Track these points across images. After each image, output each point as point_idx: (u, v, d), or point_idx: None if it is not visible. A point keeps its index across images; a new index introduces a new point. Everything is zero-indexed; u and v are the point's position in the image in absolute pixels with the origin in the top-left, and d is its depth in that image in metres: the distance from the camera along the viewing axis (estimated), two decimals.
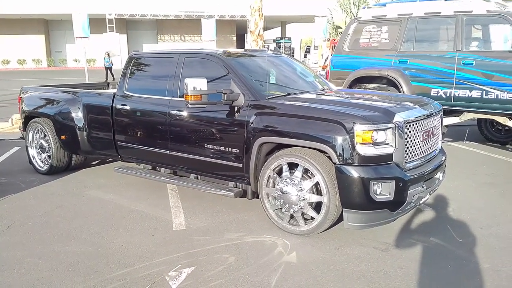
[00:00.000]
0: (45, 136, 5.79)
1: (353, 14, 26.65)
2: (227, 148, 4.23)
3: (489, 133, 7.90)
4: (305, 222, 3.82)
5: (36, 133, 5.99)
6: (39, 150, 5.99)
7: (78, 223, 4.24)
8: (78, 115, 5.48)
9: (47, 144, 5.81)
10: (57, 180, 5.65)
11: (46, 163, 5.91)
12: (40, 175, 5.85)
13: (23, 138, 6.29)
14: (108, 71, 22.24)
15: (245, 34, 32.48)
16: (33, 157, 6.04)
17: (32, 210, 4.59)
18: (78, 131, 5.47)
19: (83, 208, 4.64)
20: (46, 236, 3.94)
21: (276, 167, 3.90)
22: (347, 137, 3.48)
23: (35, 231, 4.06)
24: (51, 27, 40.45)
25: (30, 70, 35.87)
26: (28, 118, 6.07)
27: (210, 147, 4.35)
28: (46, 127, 5.72)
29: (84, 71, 16.62)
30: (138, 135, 4.97)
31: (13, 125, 9.50)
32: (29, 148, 6.08)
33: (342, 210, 3.62)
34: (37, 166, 5.99)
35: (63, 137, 5.61)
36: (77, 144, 5.53)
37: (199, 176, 4.72)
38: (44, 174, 5.87)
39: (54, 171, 5.83)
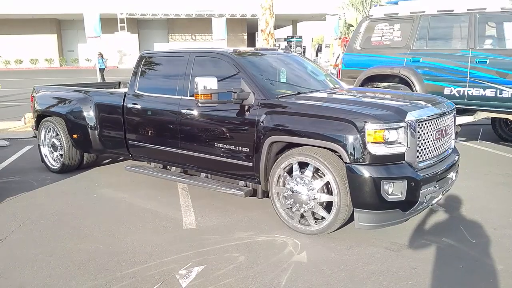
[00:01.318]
0: (57, 135, 5.84)
1: (365, 12, 26.46)
2: (237, 147, 4.22)
3: (503, 133, 7.79)
4: (316, 222, 3.80)
5: (48, 132, 6.04)
6: (51, 149, 6.05)
7: (90, 221, 4.27)
8: (89, 114, 5.52)
9: (59, 143, 5.86)
10: (69, 179, 5.70)
11: (58, 161, 5.97)
12: (52, 174, 5.91)
13: (35, 137, 6.36)
14: (101, 72, 19.51)
15: (256, 32, 32.45)
16: (45, 156, 6.10)
17: (44, 208, 4.64)
18: (89, 130, 5.51)
19: (95, 207, 4.68)
20: (58, 234, 3.98)
21: (286, 166, 3.88)
22: (358, 136, 3.45)
23: (47, 229, 4.10)
24: (63, 26, 40.86)
25: (42, 70, 36.25)
26: (40, 117, 6.13)
27: (220, 146, 4.34)
28: (58, 126, 5.77)
29: (95, 71, 16.79)
30: (149, 134, 4.99)
31: (25, 124, 9.62)
32: (41, 147, 6.14)
33: (353, 210, 3.59)
34: (49, 165, 6.05)
35: (75, 136, 5.66)
36: (88, 142, 5.58)
37: (209, 175, 4.73)
38: (56, 173, 5.93)
39: (66, 170, 5.89)
